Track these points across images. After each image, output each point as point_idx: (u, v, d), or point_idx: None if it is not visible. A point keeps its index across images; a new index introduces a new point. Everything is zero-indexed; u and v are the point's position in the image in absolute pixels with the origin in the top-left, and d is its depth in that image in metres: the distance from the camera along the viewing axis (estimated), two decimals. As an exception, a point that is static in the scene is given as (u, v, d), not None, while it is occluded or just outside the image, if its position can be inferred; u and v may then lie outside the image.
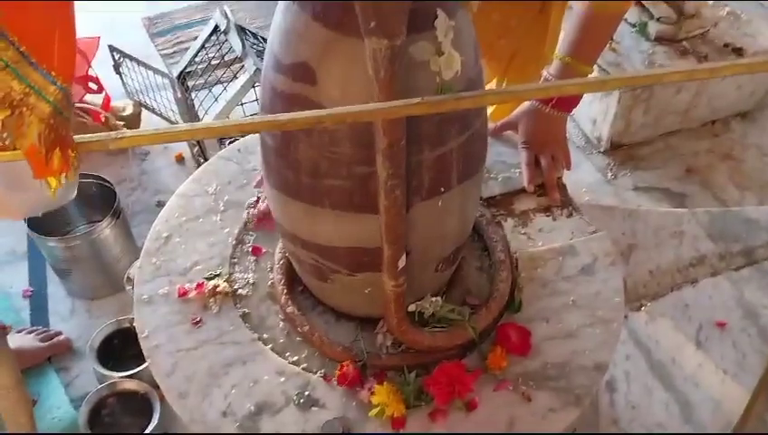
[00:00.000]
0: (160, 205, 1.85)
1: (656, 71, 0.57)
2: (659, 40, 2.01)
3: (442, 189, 0.86)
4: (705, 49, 1.99)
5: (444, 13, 0.73)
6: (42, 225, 1.60)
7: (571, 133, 2.15)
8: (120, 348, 1.52)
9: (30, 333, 1.62)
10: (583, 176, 2.02)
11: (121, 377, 1.44)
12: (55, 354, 1.60)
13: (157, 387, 1.38)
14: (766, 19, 2.08)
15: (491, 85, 1.72)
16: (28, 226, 1.58)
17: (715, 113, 2.14)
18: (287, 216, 0.93)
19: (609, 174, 2.02)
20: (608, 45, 1.99)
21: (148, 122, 2.16)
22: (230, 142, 1.86)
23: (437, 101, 0.55)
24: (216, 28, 1.83)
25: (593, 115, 2.07)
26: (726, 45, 2.01)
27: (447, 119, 0.80)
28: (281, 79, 0.79)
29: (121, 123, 2.06)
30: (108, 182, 1.68)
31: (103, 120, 2.02)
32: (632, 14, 2.05)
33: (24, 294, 1.75)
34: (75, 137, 0.49)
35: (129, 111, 2.11)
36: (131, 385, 1.41)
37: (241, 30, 1.78)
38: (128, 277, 1.20)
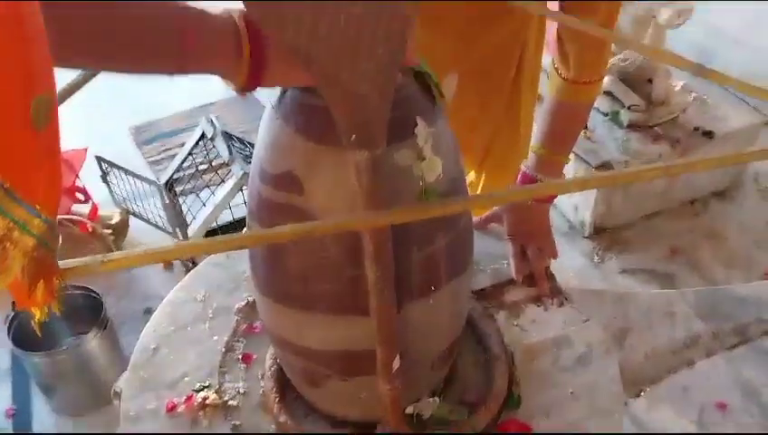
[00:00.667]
0: (149, 312, 1.83)
1: (633, 169, 0.59)
2: (632, 127, 2.08)
3: (432, 288, 0.86)
4: (677, 133, 2.07)
5: (423, 120, 0.75)
6: (26, 339, 1.56)
7: (554, 220, 2.17)
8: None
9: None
10: (570, 261, 2.03)
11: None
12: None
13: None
14: (731, 103, 2.18)
15: (470, 177, 1.77)
16: (12, 341, 1.55)
17: (693, 193, 2.20)
18: (277, 322, 0.92)
19: (596, 258, 2.04)
20: (582, 134, 2.07)
21: (136, 229, 2.17)
22: (218, 246, 1.87)
23: (420, 209, 0.56)
24: (202, 135, 1.88)
25: (575, 201, 2.11)
26: (697, 129, 2.08)
27: (433, 218, 0.82)
28: (268, 189, 0.80)
29: (109, 232, 2.07)
30: (94, 292, 1.66)
31: (90, 229, 2.03)
32: (604, 103, 2.13)
33: (6, 413, 1.69)
34: (61, 263, 0.50)
35: (116, 219, 2.13)
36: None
37: (227, 136, 1.82)
38: (115, 391, 1.17)
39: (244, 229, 0.93)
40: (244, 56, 0.62)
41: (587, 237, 2.10)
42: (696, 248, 2.06)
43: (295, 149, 0.76)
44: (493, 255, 1.30)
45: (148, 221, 2.10)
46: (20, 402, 1.70)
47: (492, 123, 1.59)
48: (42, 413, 1.68)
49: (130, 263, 0.52)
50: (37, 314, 0.50)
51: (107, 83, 2.75)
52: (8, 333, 1.57)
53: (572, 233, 2.12)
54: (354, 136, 0.65)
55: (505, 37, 1.46)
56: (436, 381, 1.03)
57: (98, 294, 1.65)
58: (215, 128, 1.81)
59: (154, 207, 2.08)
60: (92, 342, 1.58)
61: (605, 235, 2.10)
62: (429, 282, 0.85)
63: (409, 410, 0.98)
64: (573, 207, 2.12)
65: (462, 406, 1.01)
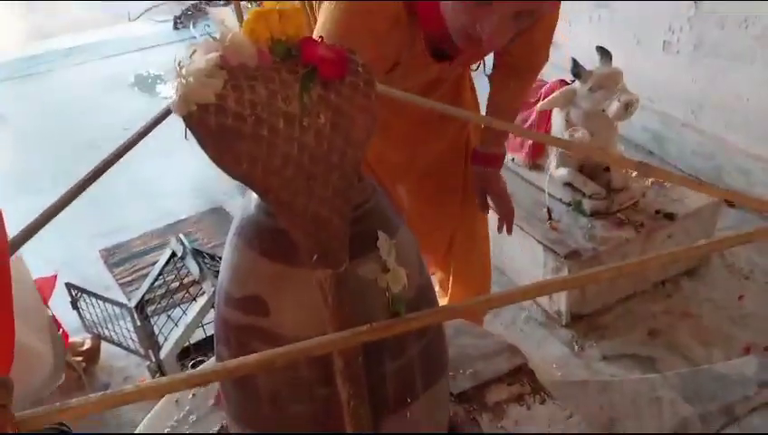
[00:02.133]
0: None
1: (590, 271, 0.61)
2: (595, 214, 2.14)
3: (408, 399, 0.84)
4: (640, 217, 2.12)
5: (384, 233, 0.77)
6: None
7: (530, 310, 2.19)
8: None
9: None
10: (551, 351, 2.02)
11: None
12: None
13: None
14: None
15: (438, 276, 1.79)
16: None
17: (665, 273, 2.23)
18: (252, 448, 0.89)
19: (576, 347, 2.03)
20: (548, 225, 2.11)
21: (108, 352, 2.12)
22: (192, 365, 1.83)
23: (385, 326, 0.56)
24: (172, 254, 1.88)
25: (549, 291, 2.12)
26: (658, 212, 2.14)
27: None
28: (233, 313, 0.80)
29: (80, 359, 2.01)
30: (66, 426, 1.60)
31: (60, 358, 1.97)
32: (566, 194, 2.19)
33: None
34: (17, 414, 0.48)
35: (87, 344, 2.07)
36: None
37: (197, 253, 1.82)
38: None
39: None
40: None
41: (565, 326, 2.09)
42: (673, 329, 2.06)
43: (259, 272, 0.77)
44: (471, 356, 1.29)
45: (119, 345, 2.05)
46: None
47: (451, 218, 1.65)
48: None
49: (88, 410, 0.51)
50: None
51: (73, 206, 2.78)
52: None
53: (550, 323, 2.12)
54: (316, 256, 0.65)
55: (451, 136, 1.54)
56: (421, 496, 0.99)
57: (68, 427, 1.58)
58: (184, 247, 1.81)
59: (125, 329, 2.03)
60: (63, 480, 1.50)
61: (582, 322, 2.10)
62: (405, 393, 0.84)
63: None
64: (548, 296, 2.13)
65: None
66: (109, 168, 0.73)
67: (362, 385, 0.75)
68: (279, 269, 0.75)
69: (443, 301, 1.73)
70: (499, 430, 1.15)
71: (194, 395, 1.26)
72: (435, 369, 0.89)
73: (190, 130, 0.59)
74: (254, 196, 0.80)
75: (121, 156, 0.72)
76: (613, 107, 1.96)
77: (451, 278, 1.74)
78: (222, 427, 1.18)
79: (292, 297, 0.75)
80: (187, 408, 1.23)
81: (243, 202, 0.82)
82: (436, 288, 1.73)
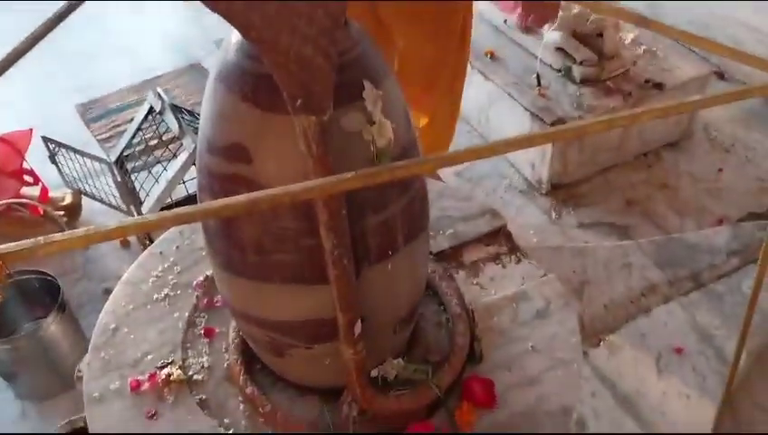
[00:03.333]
0: (108, 293, 1.80)
1: (578, 123, 0.59)
2: (585, 82, 2.09)
3: (390, 252, 0.86)
4: (629, 86, 2.09)
5: (370, 83, 0.74)
6: (-18, 327, 1.53)
7: (512, 178, 2.20)
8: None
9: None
10: (529, 219, 2.06)
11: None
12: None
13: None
14: (680, 54, 2.20)
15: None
16: (-32, 331, 1.51)
17: (647, 146, 2.23)
18: (237, 295, 0.92)
19: (554, 214, 2.07)
20: (536, 91, 2.08)
21: (90, 209, 2.12)
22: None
23: (370, 174, 0.56)
24: (150, 110, 1.83)
25: (531, 159, 2.13)
26: (647, 81, 2.11)
27: (387, 184, 0.81)
28: (216, 161, 0.79)
29: (61, 213, 2.01)
30: (50, 275, 1.62)
31: (42, 212, 1.97)
32: (556, 60, 2.13)
33: (-33, 402, 1.66)
34: (0, 247, 0.48)
35: (68, 200, 2.07)
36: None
37: (176, 109, 1.78)
38: (77, 375, 1.16)
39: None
40: None
41: (544, 195, 2.12)
42: (650, 199, 2.10)
43: (242, 117, 0.75)
44: (452, 217, 1.31)
45: (101, 200, 2.05)
46: (-19, 390, 1.67)
47: (448, 63, 1.64)
48: (5, 400, 1.65)
49: (72, 244, 0.51)
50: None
51: (49, 60, 2.67)
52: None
53: (530, 191, 2.15)
54: (300, 101, 0.63)
55: None
56: (399, 343, 1.03)
57: (54, 278, 1.61)
58: (162, 101, 1.76)
59: (106, 185, 2.02)
60: (52, 326, 1.54)
61: (562, 191, 2.13)
62: (386, 246, 0.85)
63: (374, 373, 0.99)
64: (530, 165, 2.14)
65: (425, 365, 1.03)
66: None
67: (346, 236, 0.76)
68: (261, 116, 0.73)
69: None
70: (474, 287, 1.19)
71: (178, 247, 1.28)
72: (415, 226, 0.90)
73: None
74: (235, 38, 0.76)
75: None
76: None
77: (424, 121, 1.76)
78: (206, 277, 1.20)
79: (274, 145, 0.74)
80: (172, 259, 1.25)
81: (223, 45, 0.78)
82: None
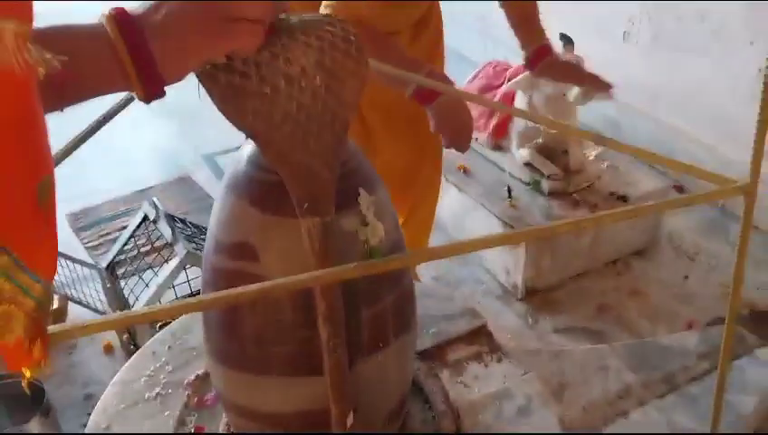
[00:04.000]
0: (90, 398, 1.80)
1: (551, 224, 0.69)
2: (552, 195, 2.24)
3: (381, 345, 0.92)
4: (594, 199, 2.24)
5: (364, 190, 0.84)
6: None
7: (488, 283, 2.29)
8: None
9: None
10: (506, 323, 2.12)
11: None
12: None
13: None
14: (640, 169, 2.38)
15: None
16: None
17: (616, 253, 2.35)
18: (232, 389, 0.96)
19: (530, 320, 2.14)
20: (508, 203, 2.22)
21: (76, 315, 2.14)
22: (160, 327, 1.87)
23: (369, 265, 0.63)
24: (145, 217, 1.91)
25: (506, 265, 2.22)
26: (612, 194, 2.26)
27: (379, 279, 0.89)
28: (222, 259, 0.86)
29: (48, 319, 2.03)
30: (35, 380, 1.62)
31: (27, 317, 1.99)
32: (525, 174, 2.29)
33: None
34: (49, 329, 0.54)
35: (54, 305, 2.09)
36: None
37: (170, 217, 1.86)
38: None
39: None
40: (129, 70, 0.57)
41: (520, 300, 2.20)
42: (622, 306, 2.19)
43: (250, 220, 0.83)
44: (435, 317, 1.38)
45: (87, 306, 2.08)
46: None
47: (422, 169, 1.78)
48: None
49: (105, 327, 0.57)
50: (28, 373, 0.53)
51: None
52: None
53: (506, 296, 2.23)
54: (307, 205, 0.72)
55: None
56: (387, 438, 1.07)
57: (39, 381, 1.61)
58: (157, 210, 1.84)
59: (94, 290, 2.06)
60: (35, 430, 1.53)
61: (537, 297, 2.21)
62: (378, 339, 0.91)
63: (363, 468, 1.02)
64: (505, 271, 2.23)
65: (413, 462, 1.06)
66: (90, 137, 0.78)
67: (341, 327, 0.83)
68: (268, 218, 0.82)
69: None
70: (458, 385, 1.24)
71: (170, 347, 1.31)
72: (405, 320, 0.97)
73: (203, 85, 0.65)
74: (246, 152, 0.86)
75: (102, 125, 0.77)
76: (574, 92, 2.05)
77: (405, 217, 1.87)
78: (197, 376, 1.23)
79: (280, 244, 0.82)
80: (164, 359, 1.29)
81: (234, 157, 0.88)
82: None
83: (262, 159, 0.83)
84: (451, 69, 1.81)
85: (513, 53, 1.78)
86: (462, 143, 1.53)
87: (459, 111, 1.48)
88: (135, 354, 1.32)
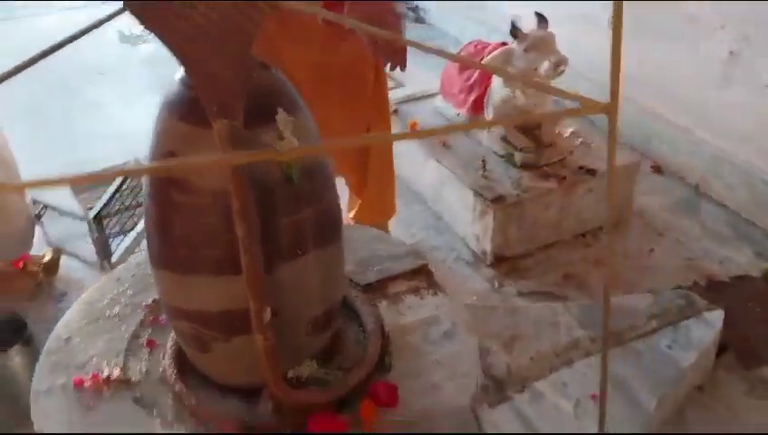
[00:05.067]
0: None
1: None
2: (524, 167, 2.33)
3: (299, 252, 1.03)
4: (564, 172, 2.32)
5: (282, 110, 0.95)
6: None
7: (459, 251, 2.38)
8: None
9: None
10: (473, 286, 2.22)
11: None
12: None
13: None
14: (612, 146, 2.46)
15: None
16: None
17: (584, 226, 2.43)
18: (169, 290, 1.07)
19: (496, 283, 2.23)
20: (481, 173, 2.31)
21: (68, 267, 2.27)
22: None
23: (257, 153, 0.74)
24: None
25: (476, 232, 2.32)
26: (581, 168, 2.35)
27: (297, 192, 1.00)
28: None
29: (39, 269, 2.17)
30: (18, 316, 1.76)
31: (21, 266, 2.13)
32: (501, 147, 2.39)
33: (-73, 435, 1.74)
34: None
35: (47, 257, 2.23)
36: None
37: (153, 173, 1.98)
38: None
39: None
40: None
41: (488, 266, 2.30)
42: (586, 274, 2.27)
43: (176, 132, 0.94)
44: (380, 256, 1.49)
45: (78, 257, 2.21)
46: (-59, 424, 1.75)
47: (361, 122, 1.87)
48: (-36, 435, 1.74)
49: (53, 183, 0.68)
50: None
51: (47, 141, 2.93)
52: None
53: (476, 262, 2.32)
54: (215, 108, 0.83)
55: (359, 51, 1.72)
56: (314, 348, 1.17)
57: (21, 316, 1.75)
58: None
59: (85, 244, 2.20)
60: (16, 358, 1.66)
61: (505, 263, 2.30)
62: (297, 246, 1.02)
63: (290, 374, 1.13)
64: (475, 237, 2.33)
65: (337, 371, 1.16)
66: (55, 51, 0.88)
67: (255, 226, 0.94)
68: (191, 129, 0.93)
69: (354, 203, 2.05)
70: (393, 313, 1.34)
71: (133, 275, 1.44)
72: (326, 234, 1.07)
73: (131, 12, 0.76)
74: (177, 76, 0.98)
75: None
76: (544, 66, 2.14)
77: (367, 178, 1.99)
78: (154, 300, 1.35)
79: (201, 152, 0.93)
80: (127, 284, 1.41)
81: (169, 82, 0.99)
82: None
83: (188, 80, 0.94)
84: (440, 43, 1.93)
85: (492, 33, 1.88)
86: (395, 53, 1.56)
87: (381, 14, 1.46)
88: (102, 279, 1.44)
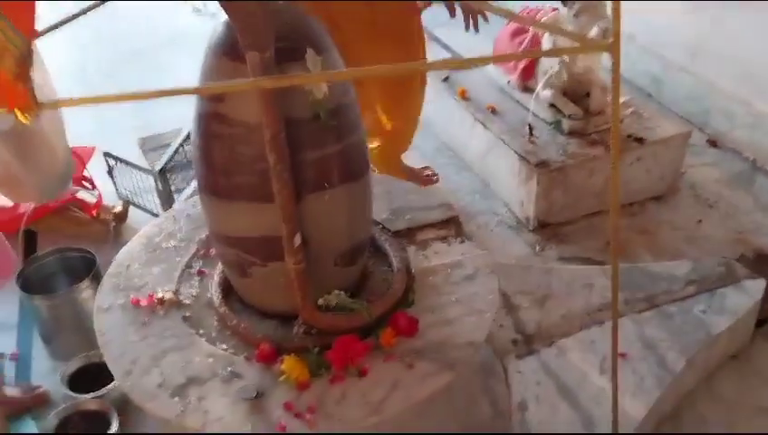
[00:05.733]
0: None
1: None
2: (572, 134, 2.35)
3: (326, 185, 1.13)
4: (610, 139, 2.33)
5: (312, 50, 1.04)
6: (32, 291, 1.84)
7: (503, 216, 2.44)
8: (91, 380, 1.68)
9: (14, 387, 1.81)
10: (514, 250, 2.27)
11: (86, 398, 1.61)
12: (35, 405, 1.77)
13: (117, 407, 1.57)
14: (664, 116, 2.44)
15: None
16: (20, 288, 1.83)
17: (631, 196, 2.43)
18: (212, 215, 1.20)
19: (537, 248, 2.28)
20: (528, 139, 2.35)
21: (136, 219, 2.46)
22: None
23: (287, 77, 0.84)
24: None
25: (520, 197, 2.36)
26: (629, 136, 2.35)
27: (323, 129, 1.10)
28: (202, 103, 1.10)
29: (110, 217, 2.36)
30: (89, 252, 1.94)
31: (94, 214, 2.34)
32: (549, 114, 2.41)
33: (11, 357, 1.95)
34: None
35: (118, 208, 2.42)
36: (93, 405, 1.59)
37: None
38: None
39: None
40: None
41: (531, 231, 2.34)
42: (630, 242, 2.28)
43: (219, 68, 1.06)
44: (412, 207, 1.57)
45: (145, 209, 2.40)
46: (23, 348, 1.96)
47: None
48: (40, 358, 1.94)
49: (99, 100, 0.80)
50: (20, 117, 0.77)
51: (120, 107, 3.12)
52: (17, 281, 1.85)
53: (519, 227, 2.37)
54: (249, 40, 0.94)
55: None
56: (343, 281, 1.28)
57: (92, 254, 1.93)
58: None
59: (151, 197, 2.38)
60: (86, 291, 1.84)
61: (548, 229, 2.34)
62: (322, 179, 1.12)
63: (320, 302, 1.24)
64: (520, 203, 2.37)
65: (363, 301, 1.26)
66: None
67: (285, 154, 1.04)
68: (233, 65, 1.04)
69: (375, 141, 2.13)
70: (420, 257, 1.42)
71: (188, 215, 1.58)
72: (351, 169, 1.17)
73: None
74: (221, 22, 1.09)
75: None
76: (593, 32, 2.15)
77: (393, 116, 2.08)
78: (206, 236, 1.48)
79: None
80: (182, 222, 1.55)
81: (213, 26, 1.10)
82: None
83: (229, 23, 1.05)
84: (491, 17, 2.01)
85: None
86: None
87: None
88: (159, 217, 1.59)
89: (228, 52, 1.04)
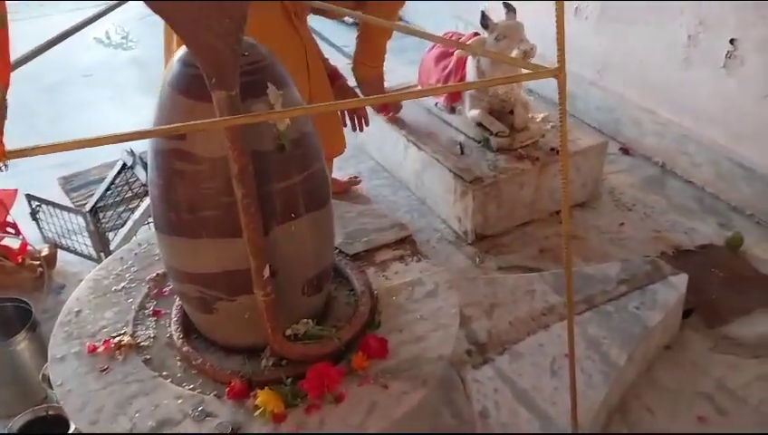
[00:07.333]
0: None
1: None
2: (500, 150, 2.46)
3: (293, 215, 1.13)
4: (537, 153, 2.45)
5: (273, 85, 1.06)
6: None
7: (443, 232, 2.50)
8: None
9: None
10: (456, 263, 2.34)
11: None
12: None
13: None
14: (581, 129, 2.61)
15: None
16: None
17: (558, 204, 2.56)
18: (173, 254, 1.18)
19: (477, 259, 2.35)
20: (459, 157, 2.43)
21: (65, 262, 2.36)
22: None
23: (253, 115, 0.85)
24: (123, 166, 2.13)
25: (458, 213, 2.44)
26: (552, 149, 2.48)
27: (288, 160, 1.11)
28: (160, 141, 1.08)
29: (37, 263, 2.25)
30: (24, 302, 1.84)
31: (20, 260, 2.22)
32: (477, 133, 2.51)
33: (-59, 417, 1.81)
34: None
35: (45, 252, 2.31)
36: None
37: (145, 162, 2.08)
38: (43, 375, 1.36)
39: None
40: None
41: (470, 244, 2.42)
42: (561, 248, 2.38)
43: (179, 106, 1.05)
44: (368, 230, 1.60)
45: (75, 252, 2.29)
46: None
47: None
48: (-27, 419, 1.81)
49: (57, 148, 0.78)
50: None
51: (36, 138, 2.98)
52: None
53: (458, 241, 2.45)
54: (214, 80, 0.94)
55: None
56: (310, 309, 1.28)
57: (27, 303, 1.83)
58: (134, 156, 2.06)
59: (81, 237, 2.28)
60: (22, 343, 1.74)
61: (485, 241, 2.43)
62: (290, 210, 1.13)
63: (288, 332, 1.24)
64: (457, 218, 2.45)
65: (331, 327, 1.27)
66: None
67: (252, 188, 1.04)
68: (192, 104, 1.04)
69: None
70: (381, 278, 1.45)
71: (135, 254, 1.53)
72: (315, 198, 1.18)
73: None
74: (179, 54, 1.08)
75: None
76: (513, 54, 2.26)
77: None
78: (158, 274, 1.45)
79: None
80: (130, 262, 1.51)
81: (171, 61, 1.10)
82: None
83: (190, 59, 1.05)
84: (417, 40, 2.08)
85: (468, 26, 1.99)
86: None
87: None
88: (106, 259, 1.54)
89: (184, 90, 1.04)
